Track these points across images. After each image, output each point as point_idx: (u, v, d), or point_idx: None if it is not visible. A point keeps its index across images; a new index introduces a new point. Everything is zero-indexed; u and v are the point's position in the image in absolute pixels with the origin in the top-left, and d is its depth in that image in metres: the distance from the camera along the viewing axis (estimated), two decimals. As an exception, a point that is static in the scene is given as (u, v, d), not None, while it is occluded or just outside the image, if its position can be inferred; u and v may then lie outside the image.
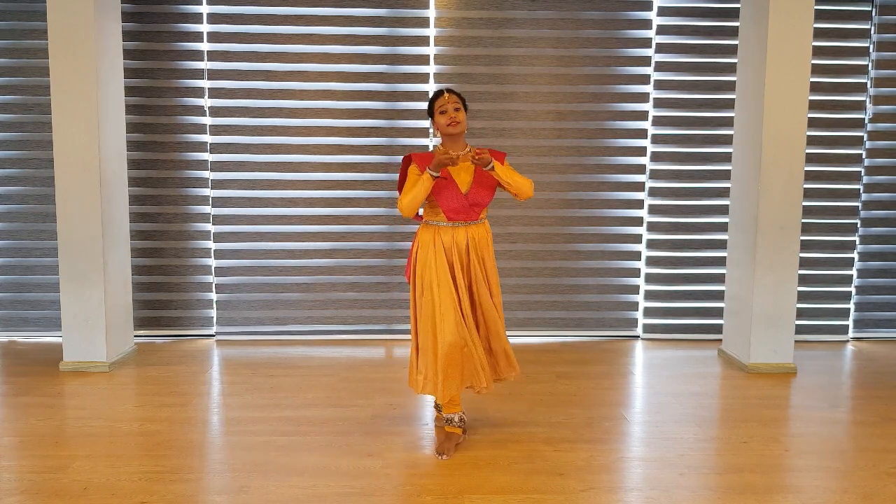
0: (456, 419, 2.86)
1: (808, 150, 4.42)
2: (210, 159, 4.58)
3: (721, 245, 4.64)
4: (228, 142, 4.57)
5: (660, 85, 4.61)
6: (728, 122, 4.59)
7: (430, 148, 4.64)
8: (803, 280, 4.54)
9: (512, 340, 3.31)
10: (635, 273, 4.74)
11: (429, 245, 2.80)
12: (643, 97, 4.62)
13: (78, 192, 3.82)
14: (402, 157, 4.59)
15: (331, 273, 4.69)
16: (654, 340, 4.73)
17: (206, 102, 4.55)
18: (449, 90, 2.83)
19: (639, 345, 4.63)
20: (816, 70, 4.47)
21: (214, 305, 4.67)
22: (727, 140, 4.59)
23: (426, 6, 4.53)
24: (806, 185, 4.46)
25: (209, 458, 2.77)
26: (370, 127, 4.61)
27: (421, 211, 2.93)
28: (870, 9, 4.56)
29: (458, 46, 4.57)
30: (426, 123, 4.61)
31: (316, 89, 4.57)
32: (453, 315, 2.73)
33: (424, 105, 4.59)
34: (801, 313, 4.56)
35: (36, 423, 3.11)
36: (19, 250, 4.57)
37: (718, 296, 4.67)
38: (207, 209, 4.62)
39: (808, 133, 4.41)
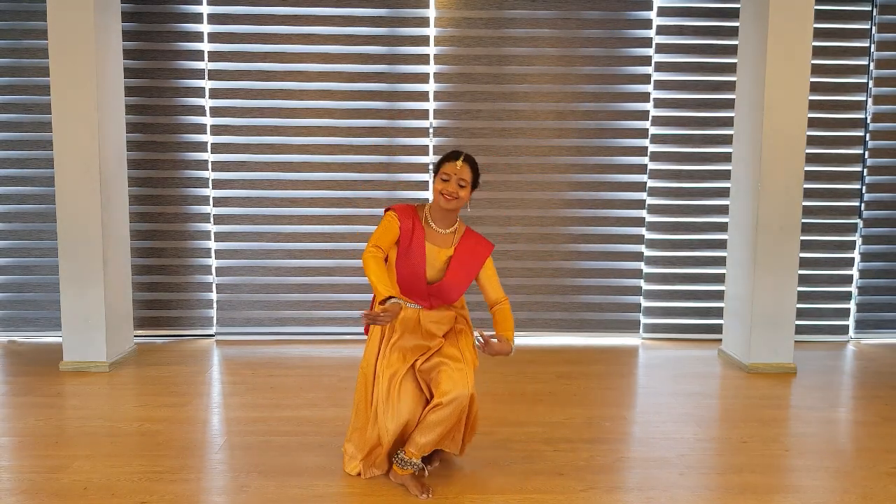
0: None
1: (808, 150, 4.42)
2: (210, 159, 4.58)
3: (721, 245, 4.64)
4: (228, 142, 4.57)
5: (660, 85, 4.61)
6: (728, 122, 4.59)
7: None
8: (803, 280, 4.54)
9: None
10: (637, 274, 4.74)
11: None
12: (643, 97, 4.62)
13: (78, 192, 3.82)
14: (401, 157, 4.62)
15: (331, 273, 4.69)
16: (655, 340, 4.73)
17: (207, 102, 4.55)
18: (466, 158, 2.42)
19: (639, 345, 4.63)
20: (816, 70, 4.47)
21: (214, 305, 4.67)
22: (727, 140, 4.59)
23: (426, 6, 4.53)
24: (806, 185, 4.45)
25: (209, 458, 2.77)
26: (370, 127, 4.60)
27: None
28: (870, 9, 4.56)
29: (458, 46, 4.57)
30: (426, 123, 4.61)
31: (316, 89, 4.57)
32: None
33: (425, 105, 4.59)
34: (801, 313, 4.56)
35: (36, 423, 3.10)
36: (19, 250, 4.57)
37: (718, 296, 4.67)
38: (208, 209, 4.62)
39: (808, 133, 4.41)
